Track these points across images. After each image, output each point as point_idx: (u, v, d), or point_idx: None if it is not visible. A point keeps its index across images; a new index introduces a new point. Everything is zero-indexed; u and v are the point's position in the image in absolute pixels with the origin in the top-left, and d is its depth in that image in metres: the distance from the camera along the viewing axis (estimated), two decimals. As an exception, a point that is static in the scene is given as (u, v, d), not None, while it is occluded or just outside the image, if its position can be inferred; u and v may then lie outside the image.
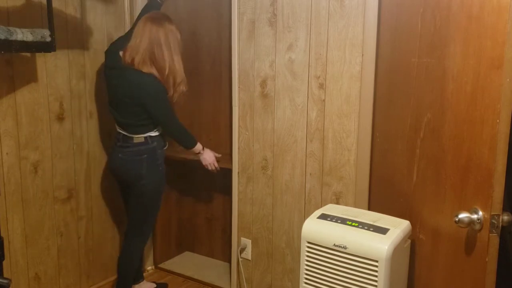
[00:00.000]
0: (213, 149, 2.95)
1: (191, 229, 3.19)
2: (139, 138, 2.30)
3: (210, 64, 2.89)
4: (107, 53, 2.41)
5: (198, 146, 2.48)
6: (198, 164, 2.75)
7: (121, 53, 2.28)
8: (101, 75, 2.61)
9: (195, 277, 2.87)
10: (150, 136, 2.32)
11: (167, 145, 2.44)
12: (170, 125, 2.37)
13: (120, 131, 2.34)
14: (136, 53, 2.20)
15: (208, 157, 2.52)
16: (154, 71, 2.22)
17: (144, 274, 2.81)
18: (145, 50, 2.20)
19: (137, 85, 2.22)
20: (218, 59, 2.84)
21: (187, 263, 3.07)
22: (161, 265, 3.02)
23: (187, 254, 3.20)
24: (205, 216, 3.12)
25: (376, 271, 1.65)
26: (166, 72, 2.23)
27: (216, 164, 2.55)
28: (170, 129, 2.39)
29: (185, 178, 3.11)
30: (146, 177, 2.31)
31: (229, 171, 2.59)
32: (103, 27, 2.59)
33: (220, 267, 2.99)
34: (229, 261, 2.93)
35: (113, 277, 2.83)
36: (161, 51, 2.21)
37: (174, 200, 3.10)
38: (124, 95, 2.26)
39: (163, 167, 2.40)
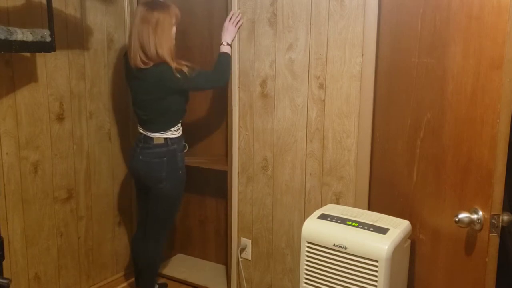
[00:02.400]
0: (205, 150, 2.96)
1: (183, 231, 3.17)
2: (159, 139, 2.31)
3: (201, 64, 2.85)
4: (124, 56, 2.39)
5: (228, 49, 2.39)
6: (190, 167, 2.75)
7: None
8: (101, 75, 2.61)
9: (189, 280, 2.84)
10: (170, 138, 2.33)
11: (187, 148, 2.45)
12: (217, 81, 2.36)
13: (142, 131, 2.35)
14: (133, 53, 2.22)
15: (233, 33, 2.39)
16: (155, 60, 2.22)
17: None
18: (136, 46, 2.21)
19: (152, 81, 2.23)
20: (209, 58, 2.82)
21: (180, 265, 3.03)
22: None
23: (179, 257, 3.17)
24: (198, 218, 3.10)
25: (376, 271, 1.65)
26: (160, 59, 2.22)
27: (237, 22, 2.38)
28: (221, 82, 2.37)
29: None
30: (165, 180, 2.32)
31: (222, 172, 2.59)
32: (103, 27, 2.59)
33: (214, 269, 2.98)
34: (223, 263, 2.93)
35: (113, 277, 2.84)
36: (147, 42, 2.19)
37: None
38: (144, 93, 2.29)
39: (183, 171, 2.41)
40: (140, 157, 2.34)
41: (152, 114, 2.31)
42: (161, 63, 2.21)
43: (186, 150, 2.44)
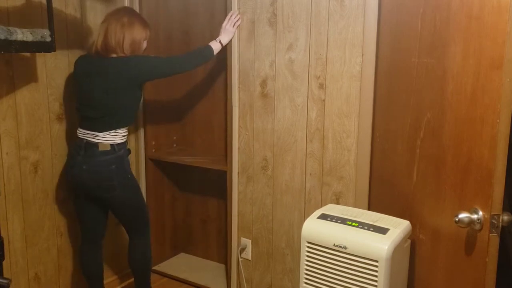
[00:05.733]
0: (206, 150, 2.97)
1: (186, 230, 3.18)
2: (104, 145, 2.19)
3: (203, 64, 2.86)
4: (77, 59, 2.33)
5: (217, 46, 2.36)
6: (191, 167, 2.75)
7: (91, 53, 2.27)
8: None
9: (190, 279, 2.85)
10: (117, 144, 2.22)
11: (130, 152, 2.35)
12: (180, 66, 2.29)
13: (83, 136, 2.22)
14: (98, 41, 2.21)
15: (231, 34, 2.38)
16: (126, 52, 2.21)
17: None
18: (101, 36, 2.20)
19: (115, 69, 2.16)
20: (211, 59, 2.82)
21: (182, 265, 3.04)
22: (156, 267, 2.96)
23: (182, 256, 3.18)
24: (200, 218, 3.11)
25: (376, 271, 1.65)
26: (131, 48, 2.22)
27: (235, 22, 2.38)
28: (186, 67, 2.31)
29: (178, 179, 3.10)
30: (118, 188, 2.22)
31: (224, 172, 2.59)
32: (103, 27, 2.59)
33: (216, 268, 2.98)
34: (224, 262, 2.93)
35: (113, 277, 2.84)
36: (113, 34, 2.18)
37: (168, 201, 3.08)
38: (101, 86, 2.16)
39: (131, 174, 2.32)
40: (84, 166, 2.19)
41: (107, 111, 2.18)
42: (126, 56, 2.20)
43: (130, 154, 2.33)
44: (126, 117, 2.27)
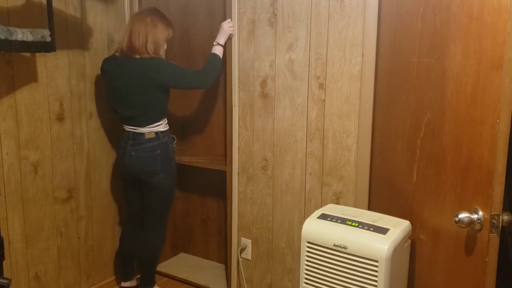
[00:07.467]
0: (206, 150, 2.97)
1: (186, 230, 3.18)
2: (150, 133, 2.37)
3: (203, 63, 2.86)
4: (103, 62, 2.46)
5: (219, 49, 2.42)
6: (191, 167, 2.75)
7: (117, 54, 2.39)
8: (101, 75, 2.61)
9: (190, 279, 2.85)
10: (161, 132, 2.39)
11: (175, 140, 2.52)
12: (199, 82, 2.39)
13: (129, 129, 2.39)
14: (123, 42, 2.34)
15: (226, 35, 2.41)
16: (152, 53, 2.33)
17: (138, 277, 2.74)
18: (126, 37, 2.33)
19: (139, 71, 2.29)
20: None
21: (181, 265, 3.04)
22: (156, 267, 2.94)
23: (182, 256, 3.18)
24: (200, 218, 3.11)
25: (376, 271, 1.65)
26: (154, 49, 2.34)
27: (229, 28, 2.40)
28: (204, 84, 2.41)
29: (179, 179, 3.08)
30: (162, 172, 2.39)
31: (224, 172, 2.59)
32: (103, 27, 2.59)
33: (216, 268, 2.98)
34: (224, 262, 2.93)
35: (113, 277, 2.84)
36: (136, 34, 2.30)
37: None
38: (129, 88, 2.32)
39: (175, 161, 2.50)
40: (133, 153, 2.38)
41: (139, 110, 2.34)
42: (150, 57, 2.31)
43: (175, 142, 2.51)
44: (160, 111, 2.40)
